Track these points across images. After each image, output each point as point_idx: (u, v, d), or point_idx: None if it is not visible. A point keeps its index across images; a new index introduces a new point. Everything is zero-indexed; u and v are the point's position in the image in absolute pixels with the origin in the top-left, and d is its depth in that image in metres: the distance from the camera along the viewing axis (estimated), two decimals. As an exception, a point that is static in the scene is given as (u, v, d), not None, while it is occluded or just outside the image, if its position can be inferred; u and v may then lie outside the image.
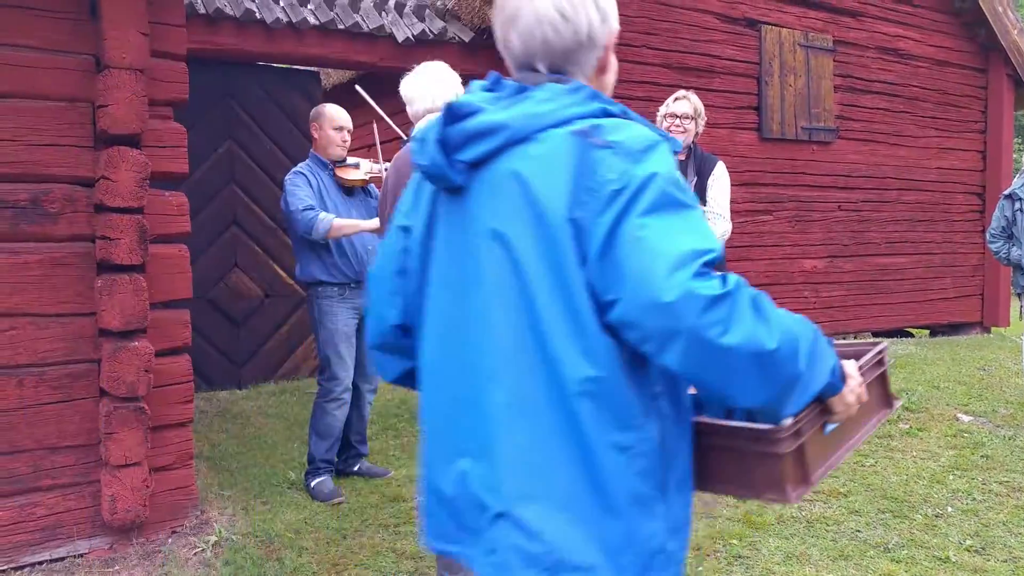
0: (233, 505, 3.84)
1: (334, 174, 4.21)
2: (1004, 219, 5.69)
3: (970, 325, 9.62)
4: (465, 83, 3.09)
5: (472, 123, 1.39)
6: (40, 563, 3.19)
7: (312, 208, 3.95)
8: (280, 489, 4.13)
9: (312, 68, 7.25)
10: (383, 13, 6.49)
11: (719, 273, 1.23)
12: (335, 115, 4.23)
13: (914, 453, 4.65)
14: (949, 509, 3.86)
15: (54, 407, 3.21)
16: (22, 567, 3.16)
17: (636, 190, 1.26)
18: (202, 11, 5.65)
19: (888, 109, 8.97)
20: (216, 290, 6.46)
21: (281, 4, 6.05)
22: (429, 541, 1.49)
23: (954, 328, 9.42)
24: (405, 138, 3.50)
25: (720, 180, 4.21)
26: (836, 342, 1.52)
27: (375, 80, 8.32)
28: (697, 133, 4.44)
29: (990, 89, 9.81)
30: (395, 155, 2.97)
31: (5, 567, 3.13)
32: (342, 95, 8.98)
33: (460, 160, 1.40)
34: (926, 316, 9.23)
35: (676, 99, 4.52)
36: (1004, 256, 5.72)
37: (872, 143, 8.79)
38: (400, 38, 6.39)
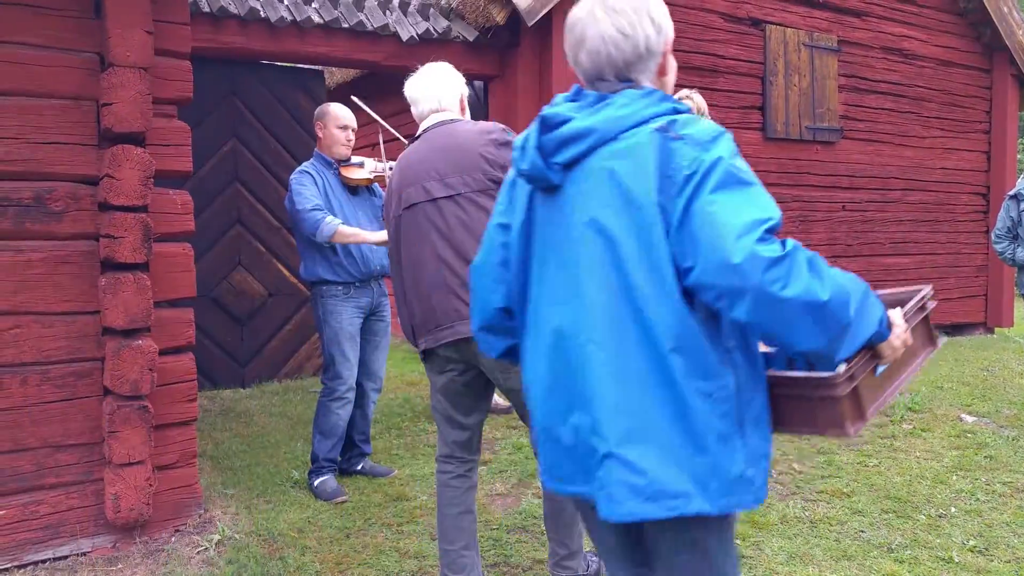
0: (236, 504, 3.84)
1: (339, 173, 4.21)
2: (1009, 220, 5.68)
3: (974, 326, 9.60)
4: (469, 82, 3.10)
5: (564, 130, 1.65)
6: (43, 561, 3.20)
7: (319, 208, 3.95)
8: (283, 488, 4.14)
9: (316, 67, 7.24)
10: (387, 12, 6.49)
11: (779, 238, 1.48)
12: (339, 114, 4.23)
13: (917, 453, 4.64)
14: (952, 509, 3.85)
15: (58, 405, 3.21)
16: (25, 565, 3.17)
17: (705, 172, 1.51)
18: (206, 9, 5.65)
19: (893, 109, 8.95)
20: (220, 289, 6.47)
21: (285, 2, 6.05)
22: (557, 486, 1.75)
23: (958, 329, 9.40)
24: (404, 140, 3.50)
25: None
26: (883, 293, 1.80)
27: (378, 79, 8.33)
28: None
29: (995, 89, 9.79)
30: (400, 154, 2.97)
31: (8, 565, 3.13)
32: (346, 94, 8.99)
33: (556, 162, 1.66)
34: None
35: (680, 98, 4.51)
36: (1009, 257, 5.71)
37: (876, 143, 8.77)
38: (404, 37, 6.38)
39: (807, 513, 3.79)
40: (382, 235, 3.90)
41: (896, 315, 1.62)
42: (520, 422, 5.06)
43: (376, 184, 4.35)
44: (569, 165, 1.66)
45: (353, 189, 4.24)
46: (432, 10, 6.72)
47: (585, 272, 1.62)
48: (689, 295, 1.54)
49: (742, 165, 1.55)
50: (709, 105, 4.58)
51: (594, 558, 3.13)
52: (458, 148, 2.74)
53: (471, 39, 6.68)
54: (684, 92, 4.59)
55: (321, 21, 6.09)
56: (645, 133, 1.58)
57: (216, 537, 3.41)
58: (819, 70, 8.23)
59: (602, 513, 1.60)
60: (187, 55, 3.45)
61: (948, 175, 9.49)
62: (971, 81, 9.64)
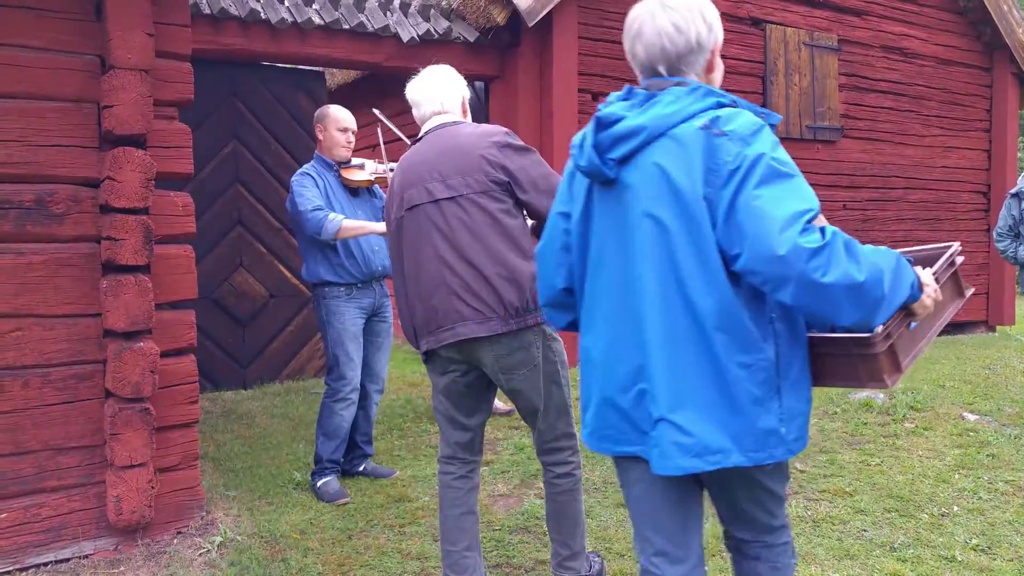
0: (238, 506, 3.84)
1: (339, 175, 4.21)
2: (1011, 218, 5.68)
3: (975, 324, 9.60)
4: (469, 83, 3.10)
5: (617, 128, 1.82)
6: (45, 564, 3.20)
7: (321, 208, 3.95)
8: (285, 490, 4.14)
9: (317, 68, 7.24)
10: (388, 13, 6.49)
11: (819, 226, 1.63)
12: (339, 116, 4.23)
13: (920, 452, 4.64)
14: (955, 508, 3.85)
15: (59, 408, 3.21)
16: (27, 568, 3.17)
17: (748, 168, 1.67)
18: (207, 11, 5.66)
19: (893, 108, 8.95)
20: (221, 290, 6.47)
21: (286, 4, 6.06)
22: (607, 447, 1.96)
23: (959, 327, 9.39)
24: (408, 142, 3.49)
25: None
26: (914, 249, 2.02)
27: (379, 80, 8.33)
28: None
29: (995, 87, 9.79)
30: (401, 156, 2.97)
31: (10, 568, 3.13)
32: (347, 95, 9.00)
33: (611, 158, 1.84)
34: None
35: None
36: (1011, 255, 5.70)
37: (877, 142, 8.77)
38: (405, 38, 6.39)
39: (809, 512, 3.79)
40: (384, 225, 3.91)
41: (927, 275, 1.80)
42: (522, 422, 5.06)
43: (376, 186, 4.35)
44: (623, 160, 1.83)
45: (354, 191, 4.24)
46: (433, 11, 6.72)
47: (641, 259, 1.81)
48: (734, 276, 1.74)
49: (783, 157, 1.70)
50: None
51: (596, 558, 3.12)
52: (460, 150, 2.74)
53: (472, 40, 6.68)
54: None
55: (322, 22, 6.09)
56: (691, 130, 1.74)
57: (218, 539, 3.41)
58: (819, 69, 8.23)
59: (655, 468, 1.82)
60: (188, 57, 3.45)
61: (949, 173, 9.48)
62: (971, 79, 9.64)
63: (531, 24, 6.47)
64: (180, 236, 3.46)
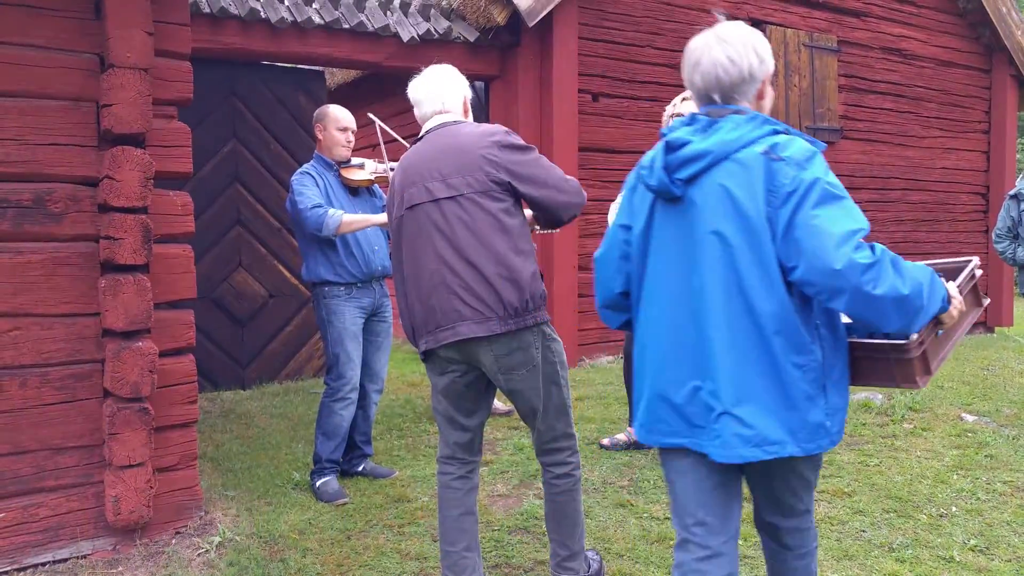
0: (237, 506, 3.84)
1: (339, 175, 4.21)
2: (1010, 219, 5.68)
3: (974, 325, 9.59)
4: (469, 83, 3.10)
5: (685, 152, 2.02)
6: (43, 564, 3.19)
7: (320, 206, 3.95)
8: (284, 490, 4.13)
9: (316, 67, 7.24)
10: (388, 12, 6.49)
11: (868, 244, 1.85)
12: (339, 116, 4.23)
13: (918, 453, 4.64)
14: (953, 509, 3.85)
15: (58, 408, 3.20)
16: (25, 568, 3.16)
17: (806, 190, 1.88)
18: (206, 10, 5.65)
19: (892, 109, 8.96)
20: (220, 290, 6.47)
21: (286, 3, 6.05)
22: (656, 439, 2.15)
23: (958, 328, 9.38)
24: (407, 144, 3.49)
25: None
26: (937, 263, 2.27)
27: (379, 80, 8.33)
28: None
29: (994, 89, 9.80)
30: (402, 155, 2.97)
31: (8, 568, 3.12)
32: (347, 94, 8.99)
33: (678, 178, 2.03)
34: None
35: (684, 99, 4.51)
36: (1010, 256, 5.71)
37: (876, 143, 8.78)
38: (405, 38, 6.39)
39: (808, 513, 3.78)
40: (385, 216, 3.92)
41: (953, 288, 2.03)
42: (521, 423, 5.06)
43: (376, 185, 4.35)
44: (689, 180, 2.02)
45: (354, 190, 4.24)
46: (433, 11, 6.72)
47: (706, 270, 2.00)
48: (788, 286, 1.94)
49: (834, 180, 1.92)
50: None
51: (595, 558, 3.12)
52: (461, 149, 2.74)
53: (472, 40, 6.68)
54: (688, 93, 4.57)
55: (322, 22, 6.09)
56: (752, 154, 1.96)
57: (217, 539, 3.40)
58: (819, 70, 8.23)
59: (718, 457, 2.01)
60: (187, 56, 3.45)
61: (948, 175, 9.49)
62: (970, 81, 9.65)
63: (531, 24, 6.48)
64: (179, 235, 3.46)
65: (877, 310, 1.85)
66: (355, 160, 4.29)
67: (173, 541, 3.40)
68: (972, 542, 3.49)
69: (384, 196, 4.15)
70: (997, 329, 9.84)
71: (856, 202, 1.98)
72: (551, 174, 2.75)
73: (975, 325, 9.48)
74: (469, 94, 3.02)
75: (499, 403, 5.42)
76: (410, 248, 2.79)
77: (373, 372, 4.32)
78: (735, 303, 1.97)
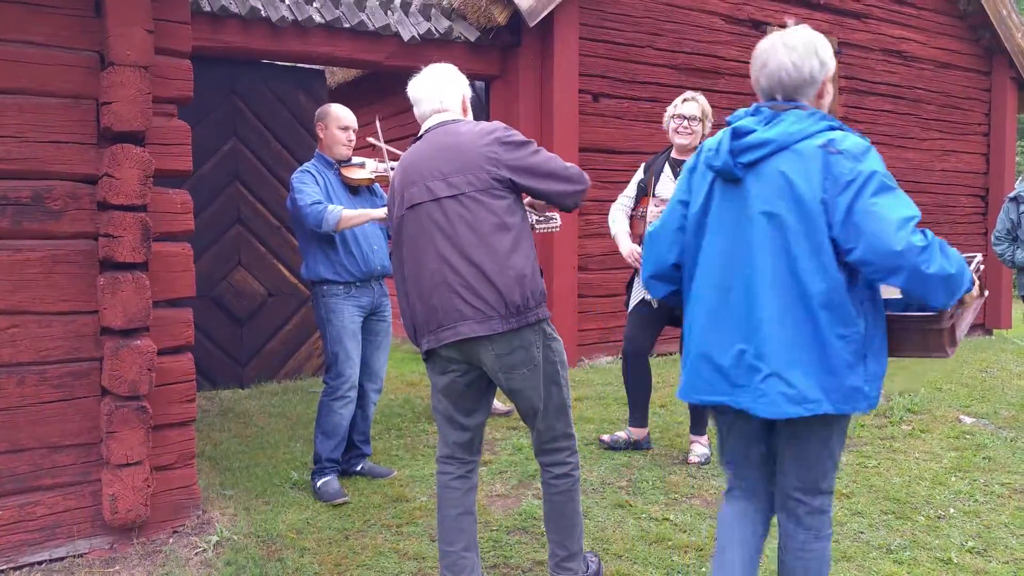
0: (235, 505, 3.83)
1: (340, 173, 4.20)
2: (1009, 221, 5.68)
3: (972, 327, 9.58)
4: (470, 82, 3.10)
5: (750, 139, 2.25)
6: (40, 563, 3.19)
7: (320, 202, 3.95)
8: (282, 489, 4.13)
9: (317, 66, 7.24)
10: (389, 12, 6.49)
11: (921, 229, 2.08)
12: (340, 115, 4.23)
13: (916, 455, 4.64)
14: (951, 510, 3.85)
15: (55, 406, 3.20)
16: (21, 567, 3.15)
17: (864, 181, 2.11)
18: (207, 8, 5.65)
19: (892, 111, 8.96)
20: (219, 288, 6.46)
21: (287, 2, 6.05)
22: (697, 396, 2.39)
23: (957, 330, 9.39)
24: (397, 152, 3.49)
25: None
26: None
27: (379, 79, 8.33)
28: (704, 135, 4.44)
29: (994, 92, 9.80)
30: (402, 155, 2.97)
31: (5, 567, 3.12)
32: (347, 94, 8.99)
33: (742, 162, 2.26)
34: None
35: (684, 100, 4.52)
36: (1009, 258, 5.70)
37: (876, 145, 8.72)
38: (406, 37, 6.38)
39: (807, 515, 3.78)
40: (384, 210, 3.92)
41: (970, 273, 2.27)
42: (520, 423, 5.06)
43: (377, 184, 4.34)
44: (750, 165, 2.24)
45: (354, 189, 4.24)
46: (434, 10, 6.71)
47: (758, 247, 2.22)
48: (837, 263, 2.16)
49: (888, 173, 2.15)
50: (711, 107, 4.57)
51: (594, 558, 3.12)
52: (461, 147, 2.73)
53: (472, 39, 6.68)
54: (689, 94, 4.58)
55: (322, 21, 6.09)
56: (811, 147, 2.18)
57: (214, 538, 3.40)
58: (819, 72, 8.22)
59: (763, 413, 2.23)
60: (188, 54, 3.44)
61: (947, 177, 9.49)
62: (970, 83, 9.65)
63: (532, 24, 6.48)
64: (178, 234, 3.45)
65: (928, 286, 2.09)
66: (356, 159, 4.29)
67: (170, 540, 3.39)
68: (970, 544, 3.49)
69: (385, 195, 4.15)
70: (996, 331, 9.84)
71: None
72: (551, 164, 2.77)
73: (973, 327, 9.55)
74: (468, 92, 3.01)
75: (499, 403, 5.41)
76: (411, 247, 2.79)
77: (372, 371, 4.31)
78: (785, 277, 2.19)
